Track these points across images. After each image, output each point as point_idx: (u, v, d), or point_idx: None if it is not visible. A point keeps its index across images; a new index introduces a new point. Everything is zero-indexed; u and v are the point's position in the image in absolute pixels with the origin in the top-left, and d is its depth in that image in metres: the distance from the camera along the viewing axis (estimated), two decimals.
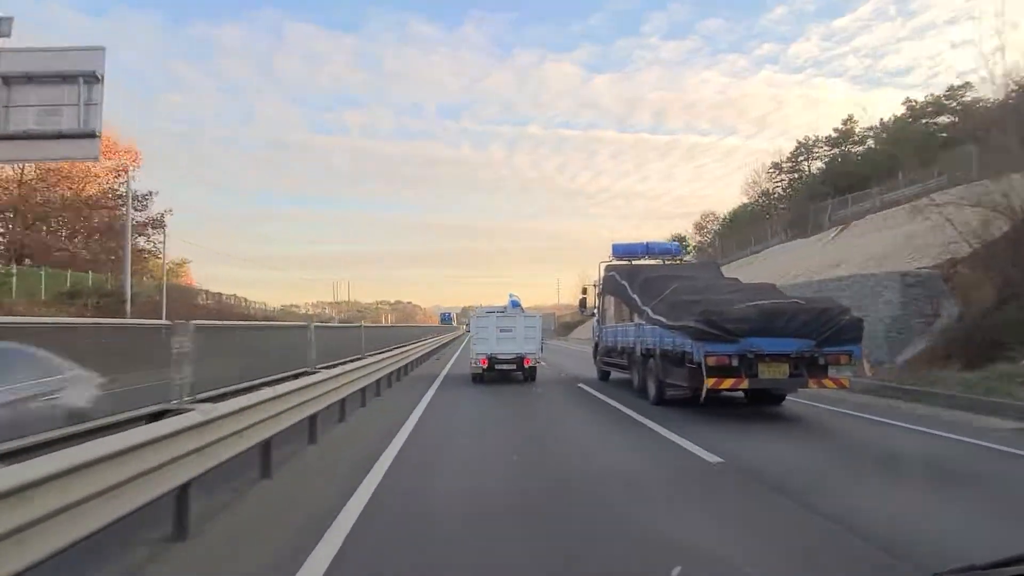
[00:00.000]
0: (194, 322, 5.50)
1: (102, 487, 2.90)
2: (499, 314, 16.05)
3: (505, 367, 15.40)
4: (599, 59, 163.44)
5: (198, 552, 3.91)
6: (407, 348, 18.87)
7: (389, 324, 54.05)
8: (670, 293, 10.95)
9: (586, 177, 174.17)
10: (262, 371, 7.08)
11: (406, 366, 17.19)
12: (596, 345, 16.13)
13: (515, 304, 17.35)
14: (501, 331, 15.43)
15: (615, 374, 15.08)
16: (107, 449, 3.00)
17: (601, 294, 15.22)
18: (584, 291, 17.24)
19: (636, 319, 12.20)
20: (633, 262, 14.89)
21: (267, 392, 5.49)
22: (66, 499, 2.64)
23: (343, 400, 8.92)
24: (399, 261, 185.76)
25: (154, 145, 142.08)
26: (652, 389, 10.92)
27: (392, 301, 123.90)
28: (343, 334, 12.26)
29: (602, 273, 15.33)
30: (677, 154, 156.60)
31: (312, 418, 7.11)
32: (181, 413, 4.18)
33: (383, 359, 12.90)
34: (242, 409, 4.77)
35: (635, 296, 12.20)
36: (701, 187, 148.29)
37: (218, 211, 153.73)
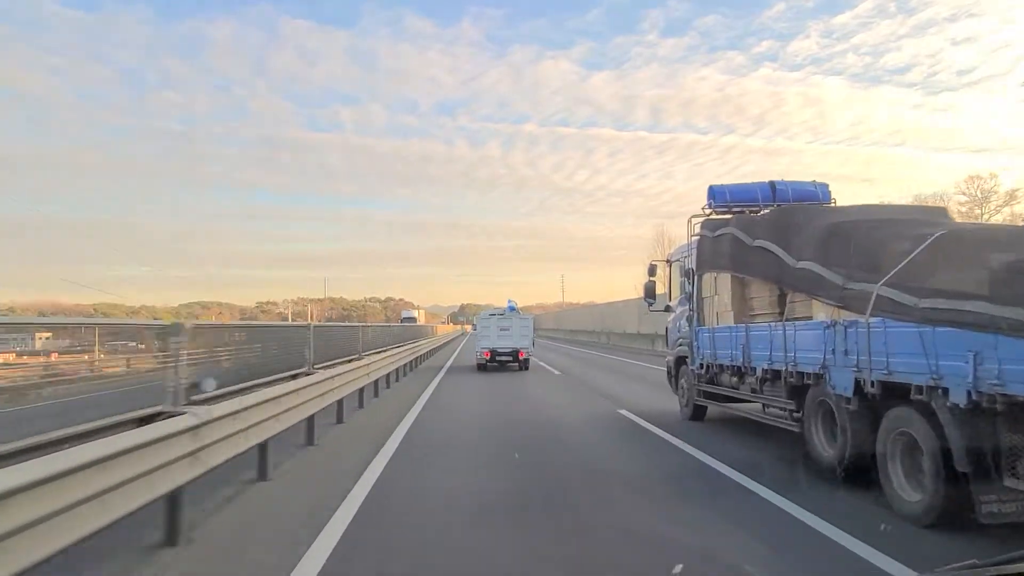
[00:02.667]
0: None
1: None
2: (499, 315, 19.89)
3: (504, 358, 18.78)
4: (596, 56, 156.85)
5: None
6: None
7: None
8: (931, 250, 4.49)
9: (583, 175, 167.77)
10: None
11: None
12: (677, 361, 9.57)
13: (512, 308, 21.10)
14: (501, 329, 18.96)
15: (714, 408, 8.62)
16: None
17: (694, 272, 8.66)
18: (652, 271, 10.60)
19: (819, 312, 5.71)
20: (749, 212, 8.39)
21: None
22: None
23: None
24: (395, 259, 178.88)
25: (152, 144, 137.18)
26: (916, 490, 4.39)
27: (382, 298, 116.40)
28: None
29: (693, 233, 8.81)
30: (675, 152, 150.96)
31: None
32: None
33: None
34: None
35: (812, 266, 5.70)
36: (700, 185, 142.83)
37: (213, 209, 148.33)
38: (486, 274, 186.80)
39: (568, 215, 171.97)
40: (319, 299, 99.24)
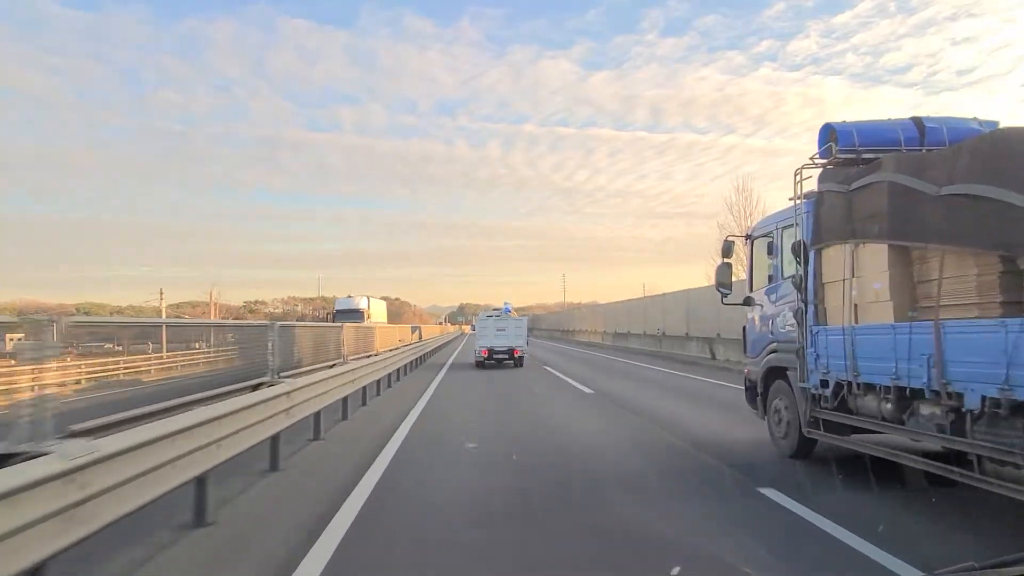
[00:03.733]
0: None
1: None
2: (496, 317, 22.04)
3: (500, 356, 20.66)
4: (596, 56, 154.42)
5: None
6: None
7: None
8: None
9: (583, 175, 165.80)
10: None
11: None
12: (769, 373, 6.86)
13: (507, 310, 23.06)
14: (497, 330, 21.07)
15: (828, 440, 5.91)
16: None
17: (806, 246, 5.95)
18: (727, 251, 7.78)
19: None
20: (890, 152, 5.67)
21: None
22: None
23: None
24: (395, 259, 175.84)
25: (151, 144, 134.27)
26: None
27: (377, 297, 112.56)
28: None
29: (802, 194, 6.14)
30: (675, 152, 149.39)
31: None
32: None
33: None
34: None
35: None
36: (699, 185, 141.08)
37: (212, 209, 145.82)
38: (486, 274, 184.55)
39: (568, 215, 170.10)
40: (311, 298, 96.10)
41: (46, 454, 2.88)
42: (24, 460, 2.82)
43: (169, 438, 3.79)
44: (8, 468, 2.72)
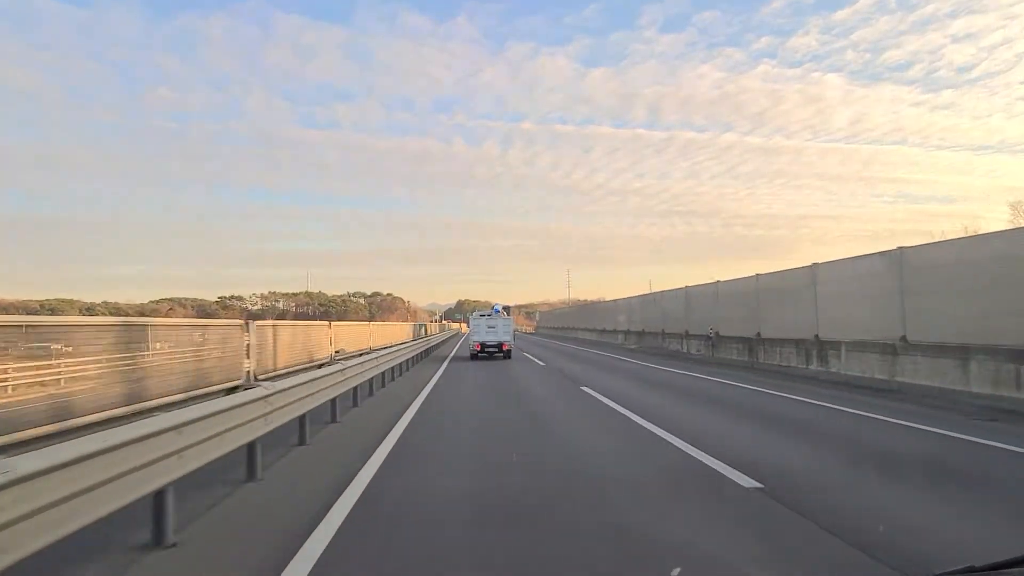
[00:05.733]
0: None
1: None
2: (487, 315, 25.49)
3: (491, 349, 24.04)
4: (594, 53, 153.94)
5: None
6: None
7: None
8: None
9: (581, 174, 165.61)
10: None
11: None
12: None
13: (497, 310, 26.84)
14: (488, 327, 24.49)
15: None
16: None
17: None
18: None
19: None
20: None
21: None
22: None
23: None
24: (393, 257, 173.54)
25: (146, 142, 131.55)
26: None
27: (368, 293, 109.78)
28: None
29: None
30: (673, 150, 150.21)
31: None
32: None
33: None
34: None
35: None
36: (697, 184, 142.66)
37: (208, 207, 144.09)
38: (484, 272, 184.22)
39: (566, 214, 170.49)
40: (294, 293, 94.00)
41: None
42: None
43: (109, 453, 3.15)
44: None
